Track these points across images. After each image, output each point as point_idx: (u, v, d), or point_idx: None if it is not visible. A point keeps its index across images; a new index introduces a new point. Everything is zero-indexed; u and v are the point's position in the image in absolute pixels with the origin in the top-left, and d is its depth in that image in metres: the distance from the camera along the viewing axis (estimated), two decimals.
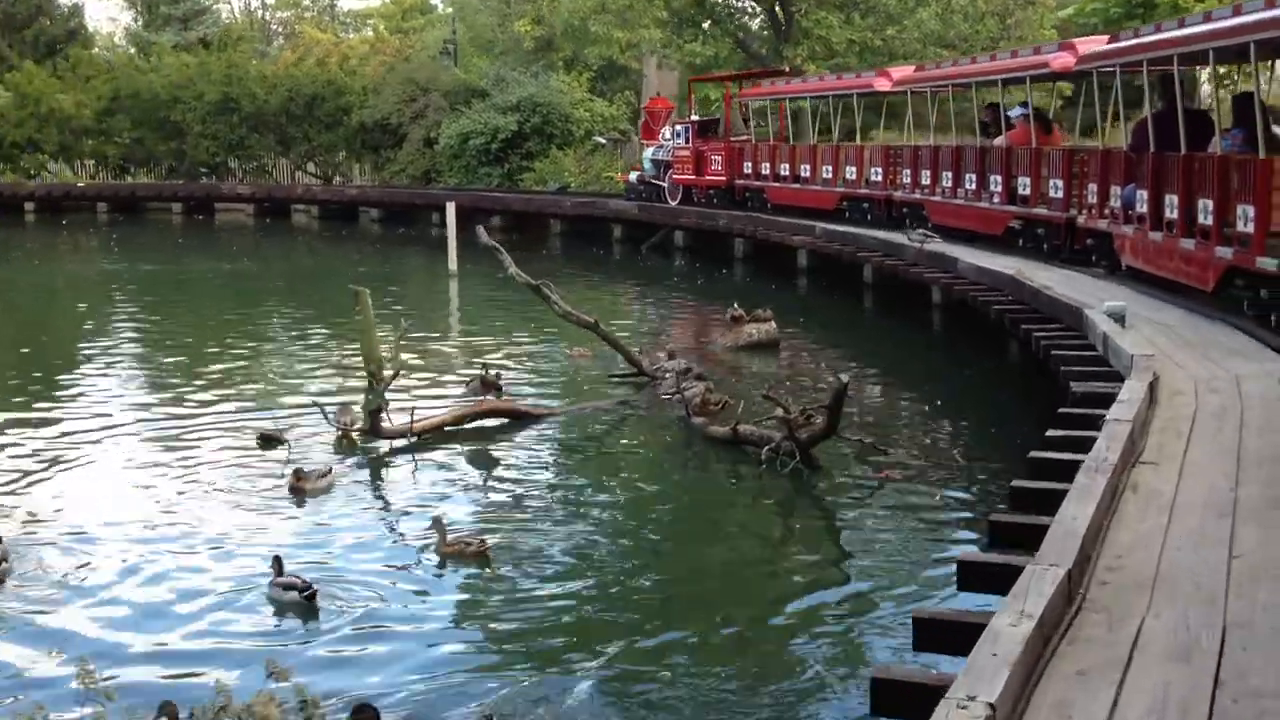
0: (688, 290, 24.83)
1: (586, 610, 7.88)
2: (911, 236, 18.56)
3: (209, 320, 21.92)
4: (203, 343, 18.76)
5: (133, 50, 57.28)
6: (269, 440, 11.52)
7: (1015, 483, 7.08)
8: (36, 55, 50.98)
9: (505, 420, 12.49)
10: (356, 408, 11.72)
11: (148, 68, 48.86)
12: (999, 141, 19.02)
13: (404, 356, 13.19)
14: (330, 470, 10.26)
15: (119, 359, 17.40)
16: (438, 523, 8.65)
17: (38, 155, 48.31)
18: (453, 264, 25.48)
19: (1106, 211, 14.91)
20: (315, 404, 11.59)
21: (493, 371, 13.28)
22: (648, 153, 31.71)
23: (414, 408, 11.62)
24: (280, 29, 77.90)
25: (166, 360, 17.39)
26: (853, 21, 33.70)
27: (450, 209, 25.83)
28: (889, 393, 14.87)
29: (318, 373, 15.84)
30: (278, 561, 7.94)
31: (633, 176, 32.40)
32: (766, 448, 10.52)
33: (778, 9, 34.88)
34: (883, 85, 23.19)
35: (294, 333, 19.79)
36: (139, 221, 44.00)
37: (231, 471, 10.77)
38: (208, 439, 12.05)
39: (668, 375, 13.63)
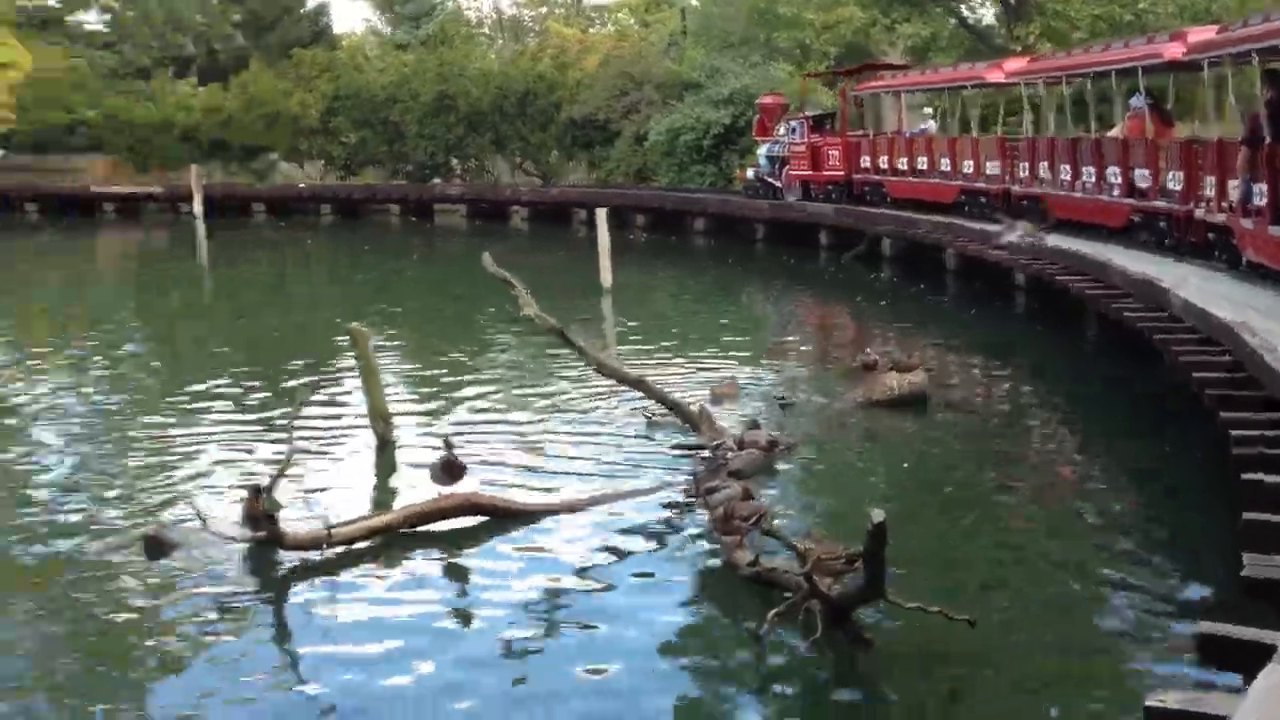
0: (870, 312, 20.93)
1: None
2: (1023, 231, 15.06)
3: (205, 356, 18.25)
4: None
5: (378, 50, 57.20)
6: (158, 545, 8.75)
7: None
8: (283, 56, 51.03)
9: (487, 519, 9.32)
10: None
11: (369, 67, 48.17)
12: (1114, 133, 18.69)
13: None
14: None
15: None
16: None
17: (267, 156, 48.49)
18: (605, 277, 22.34)
19: (1224, 205, 14.25)
20: (190, 503, 8.64)
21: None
22: (762, 150, 30.78)
23: (327, 510, 8.59)
24: (533, 25, 77.38)
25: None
26: None
27: (601, 215, 22.56)
28: (1050, 501, 10.52)
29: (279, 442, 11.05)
30: None
31: (749, 174, 31.42)
32: (773, 611, 6.92)
33: None
34: (995, 77, 22.94)
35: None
36: (358, 224, 43.29)
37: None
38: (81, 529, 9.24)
39: (730, 455, 10.09)
